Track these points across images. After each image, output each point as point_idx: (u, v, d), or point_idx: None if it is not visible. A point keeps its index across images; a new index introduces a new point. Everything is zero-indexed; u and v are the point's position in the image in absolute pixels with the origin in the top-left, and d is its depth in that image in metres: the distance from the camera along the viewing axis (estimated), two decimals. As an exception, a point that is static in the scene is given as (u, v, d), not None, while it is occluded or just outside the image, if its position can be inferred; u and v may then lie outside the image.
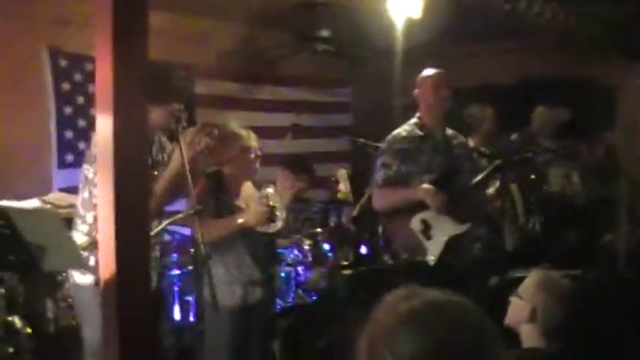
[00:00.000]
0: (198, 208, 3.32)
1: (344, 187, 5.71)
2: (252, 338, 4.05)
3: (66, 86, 5.66)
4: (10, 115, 5.20)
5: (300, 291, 5.47)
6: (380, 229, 5.28)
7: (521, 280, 2.83)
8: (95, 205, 3.30)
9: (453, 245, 4.09)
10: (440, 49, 6.63)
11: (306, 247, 5.66)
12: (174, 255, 5.32)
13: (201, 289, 3.46)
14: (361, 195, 5.53)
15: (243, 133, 4.04)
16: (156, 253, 3.75)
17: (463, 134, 4.70)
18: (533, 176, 5.51)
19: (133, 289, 2.33)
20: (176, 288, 5.30)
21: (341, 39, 6.89)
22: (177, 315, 5.32)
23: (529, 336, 2.68)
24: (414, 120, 4.39)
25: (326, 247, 5.76)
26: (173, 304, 5.30)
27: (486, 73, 7.31)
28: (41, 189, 5.02)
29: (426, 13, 5.21)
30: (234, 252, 3.94)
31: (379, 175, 4.27)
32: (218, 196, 3.94)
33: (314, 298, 5.45)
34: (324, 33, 6.74)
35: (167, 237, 4.95)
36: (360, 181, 5.74)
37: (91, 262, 3.46)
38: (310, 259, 5.60)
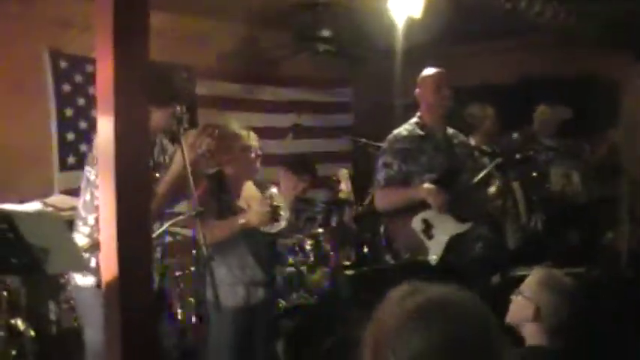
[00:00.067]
0: (200, 210, 3.32)
1: (345, 187, 5.72)
2: (255, 339, 4.05)
3: (67, 88, 5.66)
4: (11, 117, 5.20)
5: (303, 291, 5.47)
6: (382, 229, 5.28)
7: (523, 278, 2.83)
8: (97, 207, 3.30)
9: (454, 244, 4.08)
10: (440, 48, 6.63)
11: (308, 248, 5.65)
12: (177, 256, 5.32)
13: (204, 290, 3.46)
14: (364, 195, 5.53)
15: (244, 133, 4.05)
16: (157, 254, 3.76)
17: (464, 133, 4.70)
18: (534, 174, 5.52)
19: (135, 291, 2.32)
20: (178, 289, 5.30)
21: (341, 39, 6.89)
22: (179, 316, 5.32)
23: (532, 334, 2.68)
24: (414, 119, 4.39)
25: (328, 247, 5.76)
26: (175, 305, 5.30)
27: (487, 72, 7.32)
28: (43, 191, 5.02)
29: (427, 12, 5.21)
30: (237, 252, 3.94)
31: (381, 174, 4.27)
32: (220, 197, 3.95)
33: (317, 298, 5.45)
34: (325, 33, 6.74)
35: (169, 238, 4.95)
36: (361, 181, 5.74)
37: (92, 263, 3.46)
38: (312, 259, 5.60)
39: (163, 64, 4.95)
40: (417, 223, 4.14)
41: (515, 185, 5.14)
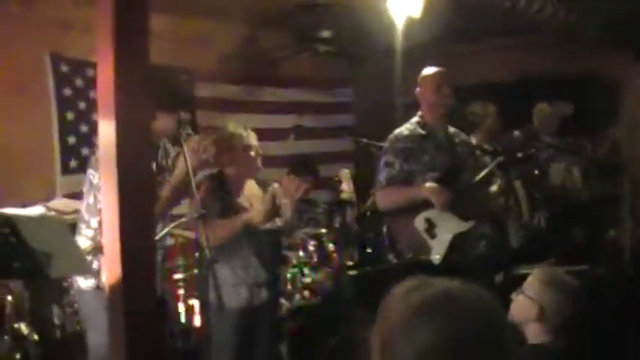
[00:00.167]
0: (202, 212, 3.32)
1: (347, 187, 5.72)
2: (259, 339, 4.05)
3: (67, 92, 5.67)
4: (13, 121, 5.20)
5: (306, 292, 5.48)
6: (384, 229, 5.28)
7: (526, 277, 2.82)
8: (100, 210, 3.31)
9: (457, 243, 4.08)
10: (440, 47, 6.63)
11: (311, 248, 5.67)
12: (179, 258, 5.33)
13: (207, 292, 3.47)
14: (367, 195, 5.53)
15: (243, 132, 4.05)
16: (158, 257, 3.76)
17: (465, 132, 4.70)
18: (536, 172, 5.51)
19: (138, 294, 2.32)
20: (181, 291, 5.30)
21: (342, 39, 6.89)
22: (182, 318, 5.33)
23: (535, 334, 2.67)
24: (415, 119, 4.39)
25: (331, 247, 5.77)
26: (178, 307, 5.30)
27: (487, 71, 7.32)
28: (45, 195, 5.02)
29: (426, 11, 5.21)
30: (240, 253, 3.95)
31: (382, 174, 4.27)
32: (222, 197, 3.96)
33: (320, 298, 5.45)
34: (325, 34, 6.74)
35: (170, 241, 4.95)
36: (363, 181, 5.74)
37: (94, 266, 3.47)
38: (316, 259, 5.61)
39: (165, 67, 4.96)
40: (419, 222, 4.14)
41: (517, 184, 5.14)
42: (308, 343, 4.89)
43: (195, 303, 5.19)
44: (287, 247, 5.47)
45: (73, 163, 5.64)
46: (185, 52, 6.25)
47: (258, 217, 3.79)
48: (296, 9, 6.45)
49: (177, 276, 5.30)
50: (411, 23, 5.36)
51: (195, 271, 5.16)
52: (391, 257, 4.83)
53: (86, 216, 3.61)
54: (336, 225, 5.85)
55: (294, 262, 5.56)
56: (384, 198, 4.33)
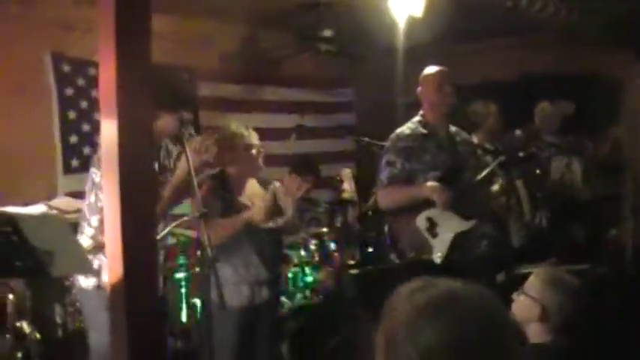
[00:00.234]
0: (204, 211, 3.32)
1: (348, 186, 5.72)
2: (260, 338, 4.05)
3: (69, 91, 5.67)
4: (15, 120, 5.20)
5: (308, 291, 5.48)
6: (386, 228, 5.28)
7: (527, 276, 2.81)
8: (101, 209, 3.31)
9: (459, 242, 4.08)
10: (442, 46, 6.63)
11: (313, 247, 5.67)
12: (180, 257, 5.33)
13: (208, 290, 3.47)
14: (368, 194, 5.53)
15: (245, 132, 4.06)
16: (159, 256, 3.76)
17: (467, 131, 4.70)
18: (538, 171, 5.51)
19: (140, 294, 2.32)
20: (183, 290, 5.31)
21: (343, 38, 6.89)
22: (184, 317, 5.33)
23: (536, 334, 2.67)
24: (417, 118, 4.39)
25: (332, 246, 5.77)
26: (180, 306, 5.30)
27: (488, 70, 7.31)
28: (47, 194, 5.03)
29: (428, 11, 5.21)
30: (242, 252, 3.95)
31: (384, 173, 4.27)
32: (223, 196, 3.96)
33: (321, 297, 5.45)
34: (327, 33, 6.73)
35: (172, 240, 4.95)
36: (364, 181, 5.74)
37: (95, 264, 3.48)
38: (317, 258, 5.61)
39: (167, 67, 4.96)
40: (421, 221, 4.14)
41: (519, 183, 5.14)
42: (309, 342, 4.88)
43: (196, 302, 5.20)
44: (288, 246, 5.47)
45: (74, 163, 5.64)
46: (187, 52, 6.25)
47: (259, 214, 3.79)
48: (297, 8, 6.45)
49: (179, 275, 5.30)
50: (412, 22, 5.36)
51: (197, 269, 5.17)
52: (393, 256, 4.83)
53: (87, 214, 3.61)
54: (338, 224, 5.85)
55: (296, 261, 5.57)
56: (385, 197, 4.33)
